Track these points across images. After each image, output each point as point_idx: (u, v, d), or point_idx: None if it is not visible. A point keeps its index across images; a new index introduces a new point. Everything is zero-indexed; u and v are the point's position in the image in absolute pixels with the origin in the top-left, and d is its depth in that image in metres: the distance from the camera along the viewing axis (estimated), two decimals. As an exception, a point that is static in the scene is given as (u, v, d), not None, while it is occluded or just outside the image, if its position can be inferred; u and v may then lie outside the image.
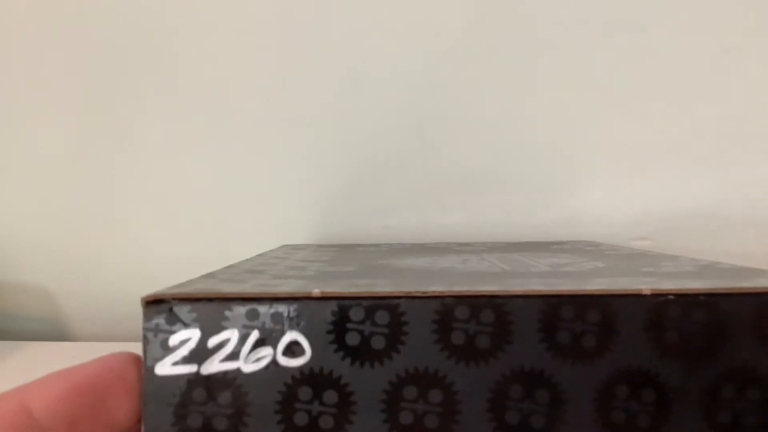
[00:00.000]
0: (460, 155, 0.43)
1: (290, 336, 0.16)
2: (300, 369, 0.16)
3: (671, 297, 0.16)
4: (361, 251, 0.33)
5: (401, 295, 0.16)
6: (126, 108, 0.43)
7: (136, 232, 0.45)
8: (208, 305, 0.16)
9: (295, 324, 0.16)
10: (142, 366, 0.16)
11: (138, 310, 0.16)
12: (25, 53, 0.42)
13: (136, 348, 0.17)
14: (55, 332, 0.46)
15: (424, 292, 0.16)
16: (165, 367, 0.16)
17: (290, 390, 0.16)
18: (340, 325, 0.16)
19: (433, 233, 0.44)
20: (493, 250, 0.33)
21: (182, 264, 0.45)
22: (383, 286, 0.18)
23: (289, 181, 0.43)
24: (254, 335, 0.16)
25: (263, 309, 0.16)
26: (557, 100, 0.41)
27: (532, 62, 0.41)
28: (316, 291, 0.16)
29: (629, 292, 0.16)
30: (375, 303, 0.16)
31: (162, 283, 0.18)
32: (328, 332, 0.16)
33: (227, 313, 0.16)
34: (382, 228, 0.45)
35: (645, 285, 0.17)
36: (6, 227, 0.45)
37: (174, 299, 0.16)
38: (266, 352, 0.16)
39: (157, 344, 0.16)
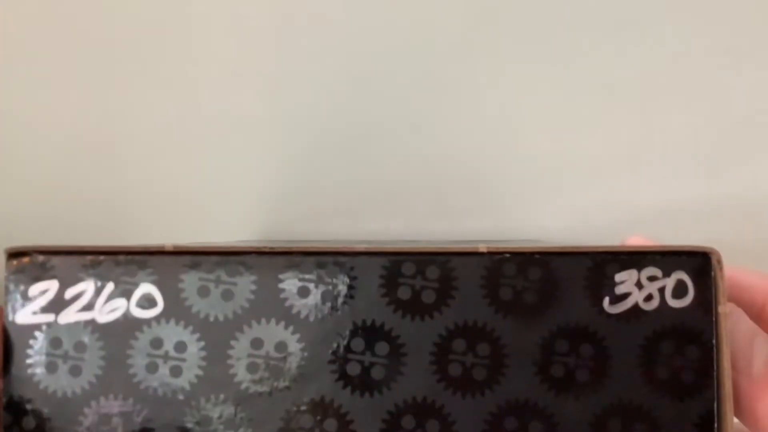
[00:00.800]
0: (442, 156, 0.43)
1: (144, 289, 0.17)
2: (153, 320, 0.17)
3: (507, 255, 0.16)
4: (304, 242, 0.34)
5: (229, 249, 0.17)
6: (125, 108, 0.44)
7: (134, 232, 0.46)
8: (66, 258, 0.17)
9: (149, 277, 0.17)
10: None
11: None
12: (25, 52, 0.43)
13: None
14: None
15: (259, 248, 0.17)
16: (24, 316, 0.17)
17: (143, 340, 0.17)
18: (192, 278, 0.17)
19: (410, 235, 0.44)
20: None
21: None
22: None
23: (253, 182, 0.44)
24: (109, 287, 0.17)
25: (119, 262, 0.17)
26: (552, 101, 0.42)
27: (528, 61, 0.41)
28: (168, 245, 0.17)
29: (467, 250, 0.17)
30: (223, 258, 0.17)
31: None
32: (181, 284, 0.17)
33: (84, 265, 0.17)
34: (349, 227, 0.45)
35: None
36: (6, 227, 0.45)
37: (34, 252, 0.17)
38: (120, 303, 0.17)
39: (17, 294, 0.17)
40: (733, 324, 0.19)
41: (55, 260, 0.17)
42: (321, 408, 0.16)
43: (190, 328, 0.17)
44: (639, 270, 0.16)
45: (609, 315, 0.16)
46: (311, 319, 0.17)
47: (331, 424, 0.16)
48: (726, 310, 0.16)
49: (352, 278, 0.17)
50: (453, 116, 0.42)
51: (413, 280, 0.17)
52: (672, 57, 0.41)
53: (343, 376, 0.16)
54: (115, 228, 0.45)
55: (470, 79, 0.42)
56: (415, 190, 0.44)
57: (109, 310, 0.17)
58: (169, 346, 0.17)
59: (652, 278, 0.16)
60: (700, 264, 0.16)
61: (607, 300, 0.16)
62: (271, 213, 0.45)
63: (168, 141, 0.44)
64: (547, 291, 0.16)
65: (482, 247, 0.17)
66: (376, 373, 0.16)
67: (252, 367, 0.17)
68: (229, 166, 0.44)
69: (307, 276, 0.17)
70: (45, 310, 0.17)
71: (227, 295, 0.17)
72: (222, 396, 0.17)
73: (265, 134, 0.44)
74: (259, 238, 0.44)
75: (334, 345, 0.17)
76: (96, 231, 0.45)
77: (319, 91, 0.42)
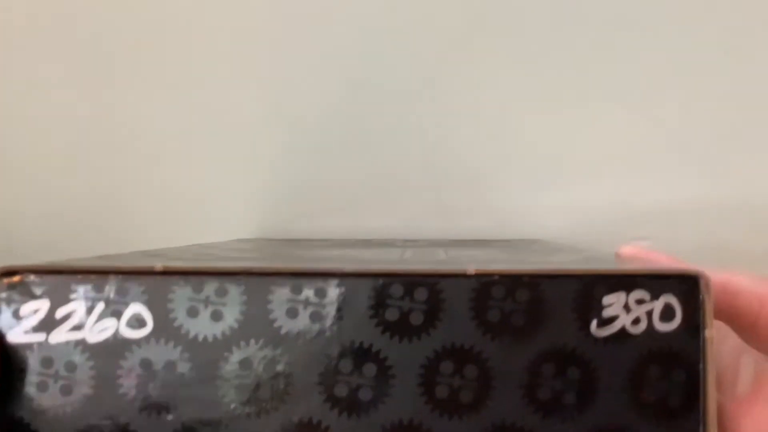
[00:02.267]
0: (448, 153, 0.43)
1: (134, 308, 0.17)
2: (143, 340, 0.17)
3: (496, 277, 0.16)
4: (302, 244, 0.34)
5: (209, 270, 0.17)
6: (125, 109, 0.44)
7: (135, 231, 0.46)
8: (56, 277, 0.17)
9: (138, 297, 0.17)
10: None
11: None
12: (24, 53, 0.43)
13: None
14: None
15: (227, 269, 0.17)
16: (17, 336, 0.17)
17: (132, 360, 0.17)
18: (181, 298, 0.17)
19: (416, 230, 0.44)
20: (429, 245, 0.33)
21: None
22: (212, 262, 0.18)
23: (260, 179, 0.44)
24: (99, 307, 0.17)
25: (108, 282, 0.17)
26: (552, 100, 0.42)
27: (527, 60, 0.41)
28: (158, 266, 0.17)
29: (455, 272, 0.17)
30: (212, 278, 0.17)
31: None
32: (170, 304, 0.17)
33: (74, 285, 0.17)
34: (349, 225, 0.45)
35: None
36: (6, 227, 0.46)
37: (26, 271, 0.17)
38: (110, 323, 0.17)
39: (9, 314, 0.17)
40: (719, 342, 0.19)
41: (46, 279, 0.17)
42: (309, 429, 0.16)
43: (180, 348, 0.17)
44: (627, 293, 0.16)
45: (596, 338, 0.16)
46: (300, 339, 0.17)
47: None
48: (713, 334, 0.16)
49: (341, 299, 0.17)
50: (452, 114, 0.42)
51: (401, 302, 0.17)
52: (672, 56, 0.41)
53: (331, 398, 0.16)
54: (117, 225, 0.46)
55: (469, 78, 0.42)
56: (415, 187, 0.44)
57: (99, 330, 0.17)
58: (158, 366, 0.17)
59: (639, 301, 0.16)
60: (688, 288, 0.16)
61: (594, 323, 0.16)
62: (271, 211, 0.45)
63: (168, 140, 0.44)
64: (535, 313, 0.16)
65: (470, 269, 0.17)
66: (364, 395, 0.16)
67: (240, 388, 0.17)
68: (229, 165, 0.44)
69: (296, 297, 0.17)
70: (36, 329, 0.17)
71: (216, 316, 0.17)
72: (210, 416, 0.17)
73: (265, 133, 0.44)
74: (258, 237, 0.44)
75: (322, 366, 0.17)
76: (97, 229, 0.45)
77: (319, 89, 0.43)
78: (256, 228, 0.46)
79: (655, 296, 0.16)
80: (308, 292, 0.17)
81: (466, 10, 0.41)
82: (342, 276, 0.17)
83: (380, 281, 0.17)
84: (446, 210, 0.44)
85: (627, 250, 0.26)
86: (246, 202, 0.45)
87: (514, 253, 0.27)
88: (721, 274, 0.24)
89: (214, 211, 0.45)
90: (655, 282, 0.16)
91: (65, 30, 0.43)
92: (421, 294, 0.17)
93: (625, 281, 0.16)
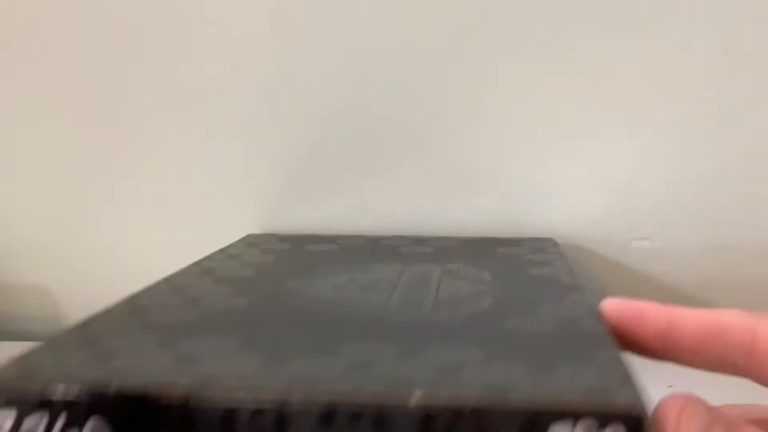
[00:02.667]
0: (455, 154, 0.43)
1: (95, 421, 0.18)
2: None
3: (437, 410, 0.17)
4: (308, 252, 0.35)
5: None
6: (125, 110, 0.44)
7: (135, 232, 0.47)
8: (23, 390, 0.18)
9: (97, 413, 0.18)
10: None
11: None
12: (24, 54, 0.44)
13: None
14: (55, 332, 0.48)
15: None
16: (-16, 446, 0.18)
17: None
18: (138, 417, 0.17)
19: (431, 226, 0.44)
20: (430, 259, 0.33)
21: (181, 262, 0.47)
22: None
23: (277, 174, 0.44)
24: (62, 419, 0.18)
25: (71, 396, 0.18)
26: (556, 99, 0.41)
27: (528, 61, 0.40)
28: (112, 386, 0.18)
29: (398, 403, 0.17)
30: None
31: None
32: (128, 423, 0.18)
33: (40, 397, 0.18)
34: (356, 219, 0.46)
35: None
36: (6, 228, 0.47)
37: (-6, 382, 0.18)
38: (72, 434, 0.18)
39: (-23, 424, 0.18)
40: (688, 420, 0.18)
41: (13, 391, 0.18)
42: None
43: None
44: (574, 422, 0.16)
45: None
46: None
47: None
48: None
49: (287, 425, 0.17)
50: (456, 111, 0.42)
51: (347, 429, 0.17)
52: (672, 57, 0.39)
53: None
54: (121, 223, 0.46)
55: (475, 74, 0.41)
56: (422, 183, 0.44)
57: (62, 441, 0.18)
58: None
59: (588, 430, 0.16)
60: (634, 421, 0.16)
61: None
62: (279, 206, 0.45)
63: (173, 138, 0.44)
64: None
65: (413, 401, 0.17)
66: None
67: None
68: (235, 162, 0.44)
69: (241, 421, 0.17)
70: (4, 438, 0.18)
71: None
72: None
73: (271, 130, 0.44)
74: (267, 231, 0.45)
75: None
76: (102, 227, 0.46)
77: (323, 83, 0.42)
78: (265, 222, 0.46)
79: (602, 425, 0.16)
80: (256, 417, 0.17)
81: (468, 7, 0.40)
82: (287, 403, 0.17)
83: (325, 409, 0.17)
84: (452, 205, 0.44)
85: (610, 305, 0.24)
86: (254, 198, 0.46)
87: (509, 281, 0.27)
88: (709, 316, 0.23)
89: (224, 207, 0.46)
90: (602, 414, 0.16)
91: (65, 30, 0.43)
92: (365, 422, 0.17)
93: (570, 413, 0.16)
